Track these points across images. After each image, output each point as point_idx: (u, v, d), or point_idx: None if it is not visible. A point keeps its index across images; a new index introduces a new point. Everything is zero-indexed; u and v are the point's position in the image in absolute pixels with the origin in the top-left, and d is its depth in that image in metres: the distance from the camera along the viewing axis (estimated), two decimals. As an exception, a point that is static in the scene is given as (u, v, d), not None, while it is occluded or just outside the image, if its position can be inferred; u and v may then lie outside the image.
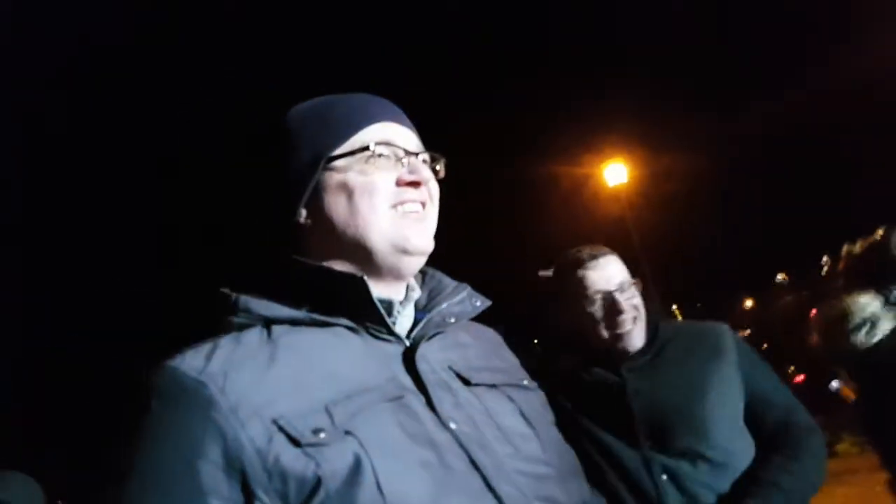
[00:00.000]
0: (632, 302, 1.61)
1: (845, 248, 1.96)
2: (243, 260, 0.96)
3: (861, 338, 1.74)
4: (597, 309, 1.60)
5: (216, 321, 0.88)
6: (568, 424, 1.51)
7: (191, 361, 0.80)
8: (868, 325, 1.74)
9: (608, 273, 1.62)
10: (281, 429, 0.74)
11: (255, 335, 0.85)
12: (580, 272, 1.63)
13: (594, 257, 1.65)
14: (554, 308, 1.70)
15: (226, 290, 0.90)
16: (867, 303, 1.76)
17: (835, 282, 1.93)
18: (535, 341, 1.85)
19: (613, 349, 1.61)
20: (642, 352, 1.61)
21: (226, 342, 0.83)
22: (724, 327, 1.70)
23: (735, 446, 1.51)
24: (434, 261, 1.00)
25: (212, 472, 0.73)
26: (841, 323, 1.78)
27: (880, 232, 1.91)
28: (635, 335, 1.60)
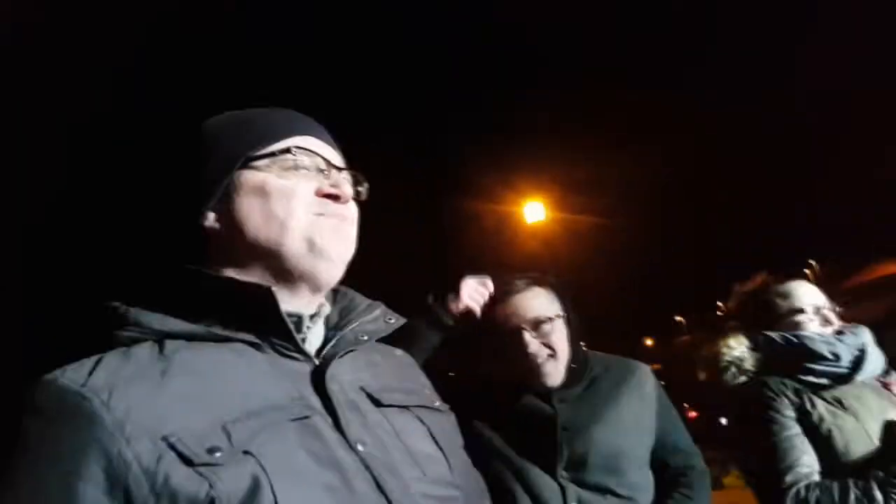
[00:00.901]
0: (545, 340, 1.61)
1: (733, 289, 2.12)
2: (138, 269, 0.90)
3: (728, 378, 1.87)
4: (504, 345, 1.62)
5: (103, 335, 0.81)
6: (488, 447, 1.57)
7: (72, 375, 0.74)
8: (734, 367, 1.87)
9: (523, 308, 1.63)
10: (172, 447, 0.69)
11: (145, 350, 0.79)
12: (499, 306, 1.64)
13: (513, 291, 1.65)
14: (476, 337, 1.69)
15: (115, 302, 0.84)
16: (734, 346, 1.90)
17: (728, 322, 2.06)
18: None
19: (529, 384, 1.63)
20: (574, 384, 1.65)
21: (112, 356, 0.77)
22: (649, 370, 1.80)
23: (642, 484, 1.62)
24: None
25: (93, 493, 0.67)
26: (713, 364, 1.91)
27: (757, 281, 2.08)
28: (548, 373, 1.61)
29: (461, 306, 1.62)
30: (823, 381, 1.78)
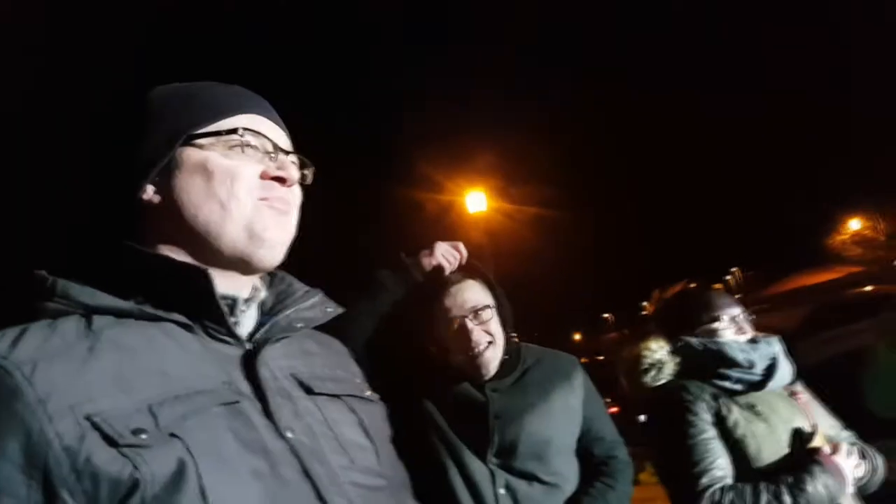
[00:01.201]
0: (485, 328, 1.68)
1: (654, 294, 2.22)
2: (68, 239, 0.86)
3: (648, 380, 1.96)
4: (449, 334, 1.68)
5: (28, 306, 0.77)
6: (428, 431, 1.63)
7: None
8: (655, 369, 1.96)
9: (462, 299, 1.70)
10: (95, 426, 0.67)
11: (72, 324, 0.76)
12: (438, 297, 1.71)
13: (450, 283, 1.73)
14: (419, 327, 1.75)
15: (42, 273, 0.80)
16: (656, 349, 1.98)
17: (647, 325, 2.15)
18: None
19: (469, 372, 1.68)
20: (507, 374, 1.72)
21: (37, 328, 0.74)
22: (577, 362, 1.88)
23: (567, 471, 1.70)
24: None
25: (9, 471, 0.65)
26: (634, 365, 1.99)
27: (678, 287, 2.18)
28: (488, 360, 1.67)
29: (433, 262, 1.75)
30: (738, 387, 1.88)
